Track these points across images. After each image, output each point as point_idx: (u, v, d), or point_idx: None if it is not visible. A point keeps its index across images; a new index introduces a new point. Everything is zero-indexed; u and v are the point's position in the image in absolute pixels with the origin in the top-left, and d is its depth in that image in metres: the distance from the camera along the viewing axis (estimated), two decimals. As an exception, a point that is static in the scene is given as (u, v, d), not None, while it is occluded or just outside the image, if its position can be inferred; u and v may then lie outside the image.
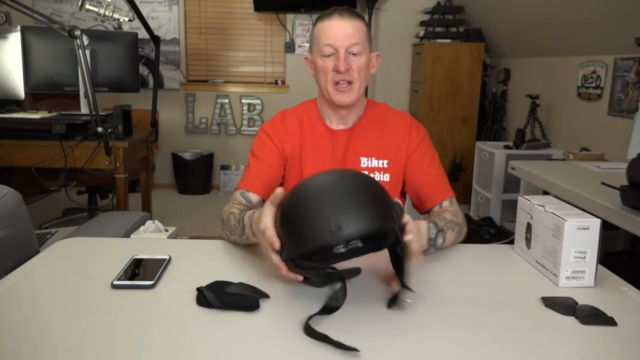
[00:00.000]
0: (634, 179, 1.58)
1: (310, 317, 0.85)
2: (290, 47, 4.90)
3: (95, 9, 2.76)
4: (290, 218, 0.90)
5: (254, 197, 1.33)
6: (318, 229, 0.86)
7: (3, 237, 1.23)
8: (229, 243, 1.26)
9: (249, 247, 1.22)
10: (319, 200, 0.88)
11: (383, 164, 1.39)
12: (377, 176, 1.38)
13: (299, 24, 4.86)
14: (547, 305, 0.95)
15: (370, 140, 1.40)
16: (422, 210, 1.42)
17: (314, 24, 1.36)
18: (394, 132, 1.40)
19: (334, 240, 0.85)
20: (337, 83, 1.32)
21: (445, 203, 1.35)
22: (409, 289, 0.92)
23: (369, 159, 1.39)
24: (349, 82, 1.31)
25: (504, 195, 3.52)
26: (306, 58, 1.41)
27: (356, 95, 1.34)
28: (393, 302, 0.92)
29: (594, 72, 3.25)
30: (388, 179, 1.39)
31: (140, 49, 4.25)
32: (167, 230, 1.45)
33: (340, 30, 1.30)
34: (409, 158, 1.39)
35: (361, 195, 0.89)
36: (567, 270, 1.03)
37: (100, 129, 2.47)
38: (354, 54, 1.30)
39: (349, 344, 0.78)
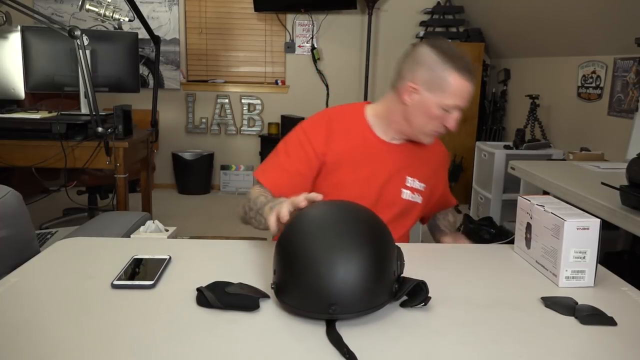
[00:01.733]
0: (634, 179, 1.58)
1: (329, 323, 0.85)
2: (290, 47, 4.90)
3: (96, 9, 2.76)
4: (291, 265, 0.89)
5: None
6: (317, 299, 0.85)
7: (3, 237, 1.23)
8: (229, 243, 1.26)
9: (249, 247, 1.22)
10: (323, 267, 0.85)
11: (421, 187, 1.42)
12: (415, 197, 1.40)
13: (299, 24, 4.86)
14: (547, 305, 0.95)
15: (419, 161, 1.42)
16: (427, 219, 1.47)
17: (444, 64, 1.26)
18: (434, 157, 1.46)
19: (328, 316, 0.85)
20: (435, 133, 1.33)
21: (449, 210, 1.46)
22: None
23: (414, 180, 1.41)
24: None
25: (504, 195, 3.52)
26: (410, 86, 1.30)
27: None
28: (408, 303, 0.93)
29: (594, 72, 3.25)
30: (420, 201, 1.42)
31: (140, 49, 4.25)
32: (167, 230, 1.45)
33: (469, 94, 1.29)
34: (438, 184, 1.47)
35: (367, 272, 0.86)
36: (566, 270, 1.03)
37: (100, 129, 2.47)
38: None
39: (348, 344, 0.78)
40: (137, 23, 3.16)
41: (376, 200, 1.34)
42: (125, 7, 3.08)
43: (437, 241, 1.52)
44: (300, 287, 0.87)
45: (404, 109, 1.33)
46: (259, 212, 1.21)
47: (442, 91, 1.27)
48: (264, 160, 1.40)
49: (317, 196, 0.99)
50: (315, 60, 4.88)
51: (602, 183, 1.79)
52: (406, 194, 1.40)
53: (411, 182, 1.40)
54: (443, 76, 1.26)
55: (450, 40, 4.44)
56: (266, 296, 0.94)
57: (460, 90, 1.27)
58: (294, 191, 1.24)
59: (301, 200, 0.99)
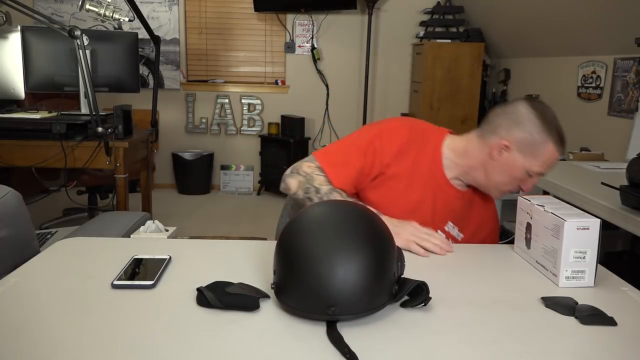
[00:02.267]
0: (634, 178, 1.58)
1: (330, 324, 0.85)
2: (290, 47, 4.90)
3: (96, 9, 2.77)
4: (291, 266, 0.89)
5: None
6: (316, 300, 0.85)
7: (3, 237, 1.23)
8: (229, 243, 1.26)
9: (249, 247, 1.23)
10: (323, 268, 0.85)
11: (459, 236, 1.40)
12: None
13: (299, 24, 4.86)
14: (547, 305, 0.95)
15: (469, 213, 1.40)
16: None
17: (542, 130, 1.24)
18: (486, 213, 1.44)
19: (328, 317, 0.85)
20: (507, 192, 1.33)
21: None
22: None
23: (454, 227, 1.39)
24: None
25: (504, 195, 3.52)
26: (504, 144, 1.27)
27: None
28: (408, 303, 0.93)
29: (593, 72, 3.25)
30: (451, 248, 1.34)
31: (140, 49, 4.25)
32: (167, 230, 1.45)
33: (556, 164, 1.29)
34: (480, 233, 1.44)
35: (367, 274, 0.86)
36: (567, 270, 1.03)
37: (100, 129, 2.47)
38: None
39: (349, 344, 0.78)
40: (137, 23, 3.16)
41: None
42: (125, 7, 3.08)
43: None
44: (299, 287, 0.87)
45: (488, 162, 1.31)
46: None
47: (534, 157, 1.25)
48: (331, 144, 1.42)
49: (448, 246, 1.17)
50: (315, 60, 4.88)
51: (602, 183, 1.79)
52: (440, 234, 1.36)
53: (451, 228, 1.39)
54: (539, 143, 1.24)
55: (449, 40, 4.46)
56: (266, 296, 0.94)
57: (551, 161, 1.26)
58: (357, 183, 1.36)
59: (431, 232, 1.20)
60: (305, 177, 1.33)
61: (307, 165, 1.35)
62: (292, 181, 1.35)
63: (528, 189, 1.29)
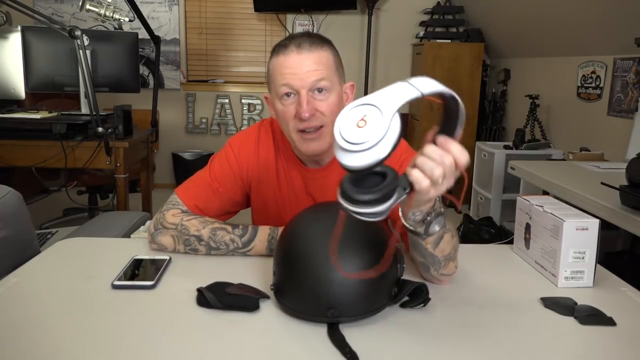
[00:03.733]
0: (634, 179, 1.59)
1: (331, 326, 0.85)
2: (290, 47, 4.90)
3: (96, 9, 2.77)
4: (290, 268, 0.89)
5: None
6: (315, 303, 0.85)
7: (3, 237, 1.23)
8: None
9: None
10: (322, 271, 0.85)
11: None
12: None
13: (299, 24, 4.86)
14: (546, 306, 0.95)
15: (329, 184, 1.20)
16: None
17: (270, 57, 1.14)
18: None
19: (327, 319, 0.85)
20: (302, 130, 1.10)
21: None
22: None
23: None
24: (318, 127, 1.10)
25: (504, 195, 3.52)
26: (266, 98, 1.19)
27: (328, 140, 1.11)
28: (408, 303, 0.93)
29: (593, 72, 3.25)
30: None
31: (140, 49, 4.24)
32: (167, 231, 1.45)
33: (299, 66, 1.07)
34: None
35: (367, 279, 0.85)
36: (566, 271, 1.03)
37: (100, 129, 2.47)
38: (319, 92, 1.09)
39: (349, 345, 0.78)
40: (137, 23, 3.16)
41: None
42: (125, 7, 3.08)
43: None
44: (298, 289, 0.87)
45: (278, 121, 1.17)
46: (238, 251, 1.14)
47: (272, 82, 1.12)
48: (188, 180, 1.26)
49: None
50: (315, 60, 4.87)
51: (602, 183, 1.79)
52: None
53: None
54: (268, 67, 1.14)
55: (449, 41, 4.46)
56: (266, 296, 0.95)
57: (281, 67, 1.09)
58: (225, 210, 1.22)
59: None
60: (176, 228, 1.15)
61: (171, 215, 1.17)
62: (164, 239, 1.16)
63: (307, 111, 1.06)
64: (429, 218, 0.86)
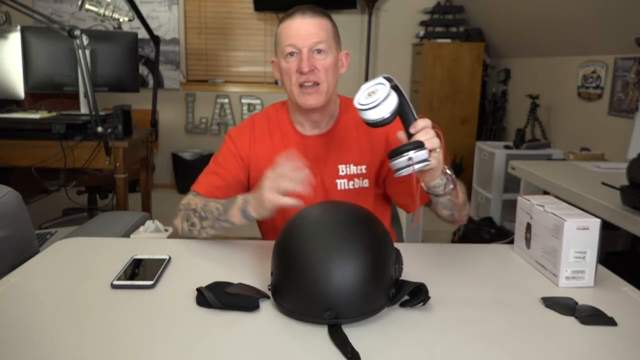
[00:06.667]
0: (634, 178, 1.58)
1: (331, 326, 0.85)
2: (290, 47, 4.90)
3: (95, 9, 2.76)
4: (288, 269, 0.89)
5: None
6: (312, 304, 0.85)
7: (3, 237, 1.23)
8: (229, 243, 1.26)
9: (250, 247, 1.22)
10: (319, 272, 0.85)
11: (361, 169, 1.33)
12: (357, 182, 1.33)
13: (299, 23, 4.85)
14: (547, 306, 0.95)
15: (348, 145, 1.34)
16: (411, 207, 1.33)
17: (278, 26, 1.31)
18: (370, 133, 1.31)
19: (323, 321, 0.85)
20: (301, 85, 1.25)
21: None
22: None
23: (347, 165, 1.33)
24: (316, 83, 1.25)
25: (504, 195, 3.52)
26: (272, 61, 1.34)
27: (324, 97, 1.27)
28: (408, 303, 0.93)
29: (594, 72, 3.25)
30: (367, 185, 1.33)
31: (140, 49, 4.25)
32: (167, 230, 1.45)
33: (303, 28, 1.24)
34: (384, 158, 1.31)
35: (363, 277, 0.86)
36: (566, 271, 1.03)
37: (100, 129, 2.47)
38: (318, 53, 1.24)
39: (351, 344, 0.78)
40: (136, 23, 3.16)
41: (312, 198, 1.15)
42: (125, 7, 3.08)
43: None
44: (296, 291, 0.87)
45: (281, 80, 1.32)
46: (220, 219, 1.20)
47: (279, 43, 1.28)
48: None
49: (292, 154, 1.03)
50: (315, 60, 4.87)
51: (603, 183, 1.79)
52: (342, 184, 1.33)
53: (345, 168, 1.33)
54: (276, 33, 1.30)
55: (449, 40, 4.46)
56: (266, 296, 0.94)
57: (287, 29, 1.25)
58: (232, 193, 1.28)
59: (283, 165, 1.04)
60: (184, 209, 1.30)
61: (182, 201, 1.33)
62: (176, 222, 1.31)
63: (306, 66, 1.22)
64: (445, 182, 1.08)
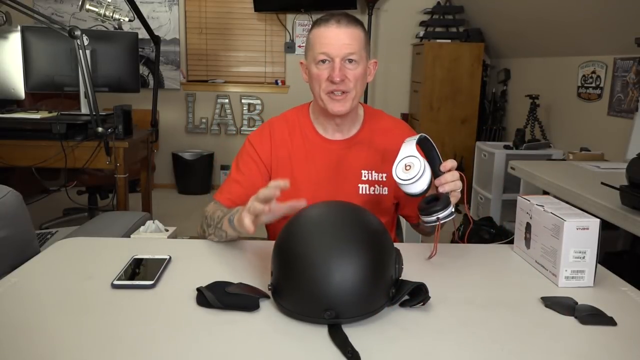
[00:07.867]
0: (634, 179, 1.58)
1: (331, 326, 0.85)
2: (290, 47, 4.90)
3: (96, 9, 2.76)
4: (288, 269, 0.89)
5: None
6: (312, 304, 0.85)
7: (3, 237, 1.23)
8: (229, 243, 1.26)
9: (249, 247, 1.23)
10: (319, 272, 0.85)
11: (382, 177, 1.37)
12: (377, 189, 1.36)
13: (299, 24, 4.86)
14: (546, 305, 0.95)
15: (372, 152, 1.37)
16: (416, 219, 1.38)
17: (310, 29, 1.33)
18: (391, 143, 1.33)
19: (323, 320, 0.85)
20: (331, 92, 1.28)
21: None
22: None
23: (370, 172, 1.37)
24: (344, 92, 1.28)
25: (504, 195, 3.52)
26: (301, 63, 1.38)
27: (351, 105, 1.30)
28: (408, 303, 0.93)
29: (593, 72, 3.25)
30: (386, 192, 1.37)
31: (140, 49, 4.24)
32: (167, 230, 1.45)
33: (337, 38, 1.26)
34: None
35: (363, 277, 0.86)
36: (566, 270, 1.03)
37: (100, 129, 2.47)
38: (350, 62, 1.27)
39: (351, 344, 0.78)
40: (137, 23, 3.16)
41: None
42: (125, 7, 3.08)
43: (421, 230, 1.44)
44: (295, 290, 0.87)
45: (310, 84, 1.34)
46: (218, 227, 1.23)
47: (311, 49, 1.31)
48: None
49: (280, 183, 1.00)
50: (315, 60, 4.87)
51: (602, 183, 1.79)
52: (364, 189, 1.36)
53: (367, 174, 1.36)
54: (309, 37, 1.33)
55: (449, 40, 4.46)
56: (266, 296, 0.94)
57: (321, 37, 1.27)
58: (241, 195, 1.30)
59: (264, 191, 1.00)
60: (204, 217, 1.32)
61: (205, 209, 1.35)
62: (198, 227, 1.34)
63: (338, 76, 1.25)
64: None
